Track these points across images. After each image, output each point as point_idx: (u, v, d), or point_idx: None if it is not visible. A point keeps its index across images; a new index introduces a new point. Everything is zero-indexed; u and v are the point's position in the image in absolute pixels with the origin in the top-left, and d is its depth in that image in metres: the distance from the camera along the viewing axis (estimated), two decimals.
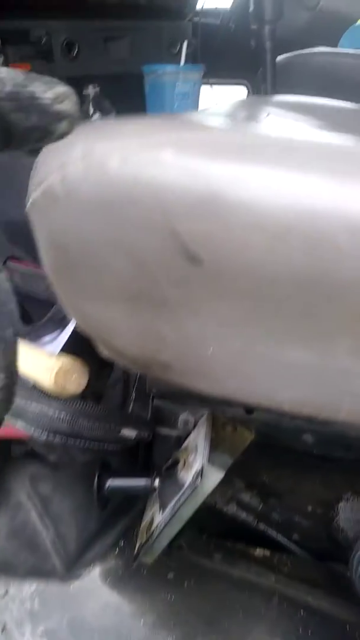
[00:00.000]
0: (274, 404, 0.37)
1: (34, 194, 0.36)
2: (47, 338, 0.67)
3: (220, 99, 1.48)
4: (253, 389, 0.37)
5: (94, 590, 0.57)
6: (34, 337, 0.67)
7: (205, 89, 1.30)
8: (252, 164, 0.28)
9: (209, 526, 0.59)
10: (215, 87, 1.47)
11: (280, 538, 0.53)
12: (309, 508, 0.61)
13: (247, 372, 0.36)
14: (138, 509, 0.61)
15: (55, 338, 0.68)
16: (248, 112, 0.65)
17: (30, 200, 0.36)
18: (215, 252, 0.30)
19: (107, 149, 0.32)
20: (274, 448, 0.54)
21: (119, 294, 0.36)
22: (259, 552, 0.60)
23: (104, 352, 0.43)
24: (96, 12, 1.08)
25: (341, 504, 0.58)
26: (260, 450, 0.54)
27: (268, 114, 0.66)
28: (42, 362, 0.50)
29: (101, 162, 0.31)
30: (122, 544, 0.61)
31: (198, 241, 0.30)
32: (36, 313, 0.77)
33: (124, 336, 0.39)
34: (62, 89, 0.16)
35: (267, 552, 0.60)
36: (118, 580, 0.58)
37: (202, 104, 1.32)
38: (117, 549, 0.60)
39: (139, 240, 0.32)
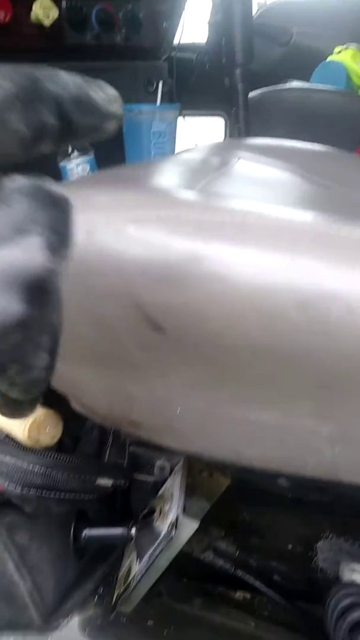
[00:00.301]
0: (242, 460, 0.38)
1: None
2: None
3: (197, 131, 1.52)
4: (220, 446, 0.37)
5: None
6: None
7: (182, 121, 1.34)
8: (209, 241, 0.29)
9: (188, 571, 0.59)
10: (194, 118, 1.50)
11: (257, 584, 0.53)
12: (289, 547, 0.61)
13: (214, 431, 0.37)
14: (116, 555, 0.61)
15: None
16: (220, 159, 0.67)
17: None
18: (176, 323, 0.31)
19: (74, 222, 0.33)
20: (251, 490, 0.55)
21: (88, 356, 0.37)
22: (239, 594, 0.60)
23: (76, 407, 0.44)
24: (73, 54, 1.11)
25: (320, 544, 0.59)
26: (238, 492, 0.55)
27: (239, 159, 0.69)
28: None
29: None
30: (101, 591, 0.61)
31: (160, 313, 0.31)
32: None
33: (95, 395, 0.39)
34: (112, 92, 0.19)
35: (248, 595, 0.60)
36: (97, 629, 0.57)
37: (180, 137, 1.35)
38: (96, 596, 0.60)
39: (105, 310, 0.33)
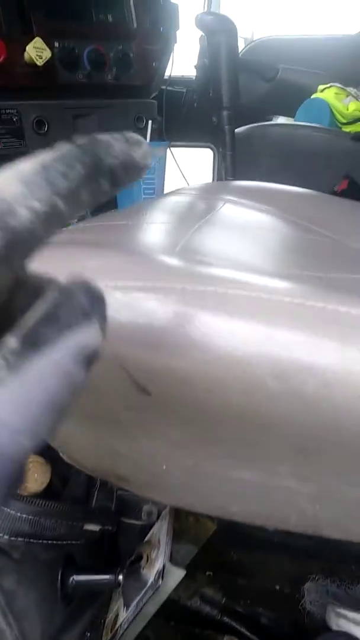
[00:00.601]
0: (226, 515, 0.38)
1: None
2: None
3: (186, 162, 1.55)
4: (205, 502, 0.38)
5: None
6: None
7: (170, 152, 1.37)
8: (193, 310, 0.31)
9: (175, 616, 0.59)
10: (181, 149, 1.54)
11: (244, 631, 0.53)
12: (276, 589, 0.61)
13: (199, 488, 0.38)
14: (104, 598, 0.61)
15: None
16: (206, 204, 0.69)
17: None
18: (161, 387, 0.32)
19: None
20: (238, 535, 0.56)
21: (76, 413, 0.38)
22: (226, 639, 0.60)
23: (65, 458, 0.45)
24: (65, 92, 1.13)
25: (307, 585, 0.59)
26: (224, 537, 0.56)
27: (224, 203, 0.71)
28: None
29: None
30: (88, 635, 0.60)
31: (146, 377, 0.32)
32: None
33: (83, 450, 0.40)
34: (146, 148, 0.23)
35: (235, 639, 0.60)
36: None
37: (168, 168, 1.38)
38: None
39: (95, 373, 0.34)
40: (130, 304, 0.32)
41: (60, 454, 0.44)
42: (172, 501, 0.40)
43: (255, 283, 0.33)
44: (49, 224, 0.19)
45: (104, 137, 0.21)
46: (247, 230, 0.61)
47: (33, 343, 0.18)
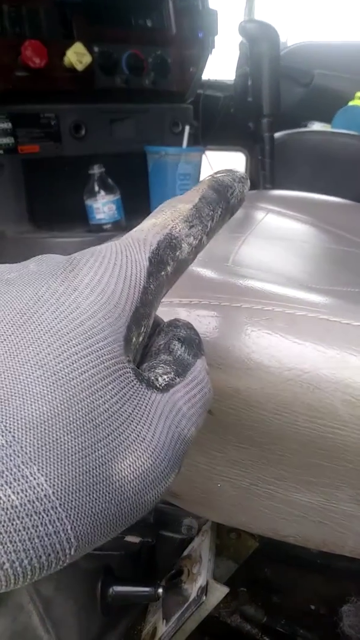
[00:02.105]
0: (280, 537, 0.38)
1: None
2: None
3: (218, 165, 1.54)
4: (259, 522, 0.38)
5: None
6: None
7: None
8: (260, 333, 0.30)
9: (210, 630, 0.58)
10: (215, 152, 1.53)
11: None
12: (314, 610, 0.60)
13: (254, 508, 0.37)
14: (139, 609, 0.60)
15: None
16: (248, 214, 0.68)
17: None
18: (225, 407, 0.32)
19: None
20: (279, 554, 0.55)
21: None
22: None
23: None
24: (102, 96, 1.14)
25: (345, 608, 0.58)
26: (265, 554, 0.55)
27: (267, 214, 0.70)
28: None
29: None
30: None
31: None
32: None
33: None
34: (248, 181, 0.27)
35: None
36: None
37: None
38: None
39: None
40: (195, 321, 0.31)
41: None
42: (223, 519, 0.39)
43: (320, 303, 0.33)
44: (195, 255, 0.24)
45: (227, 179, 0.26)
46: (291, 242, 0.60)
47: (184, 359, 0.22)
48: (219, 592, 0.47)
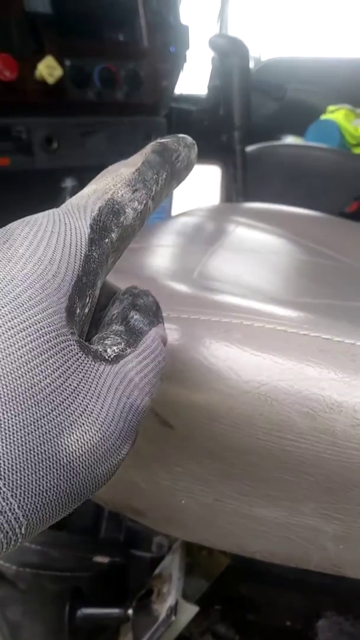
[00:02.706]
0: (246, 553, 0.37)
1: None
2: None
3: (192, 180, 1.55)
4: (224, 539, 0.37)
5: None
6: None
7: None
8: (218, 345, 0.30)
9: None
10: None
11: None
12: (288, 625, 0.59)
13: (218, 524, 0.36)
14: (111, 631, 0.59)
15: None
16: (217, 227, 0.68)
17: None
18: (184, 421, 0.31)
19: None
20: (251, 570, 0.54)
21: None
22: None
23: None
24: (74, 109, 1.14)
25: (320, 623, 0.57)
26: (237, 571, 0.54)
27: (236, 227, 0.70)
28: None
29: None
30: None
31: (169, 410, 0.31)
32: None
33: None
34: (196, 148, 0.27)
35: None
36: None
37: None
38: None
39: None
40: None
41: None
42: (189, 537, 0.38)
43: (280, 315, 0.32)
44: (142, 221, 0.23)
45: (173, 143, 0.25)
46: (260, 254, 0.60)
47: (138, 328, 0.22)
48: (189, 611, 0.46)
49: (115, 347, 0.20)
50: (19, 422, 0.16)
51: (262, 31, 2.20)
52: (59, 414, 0.17)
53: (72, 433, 0.17)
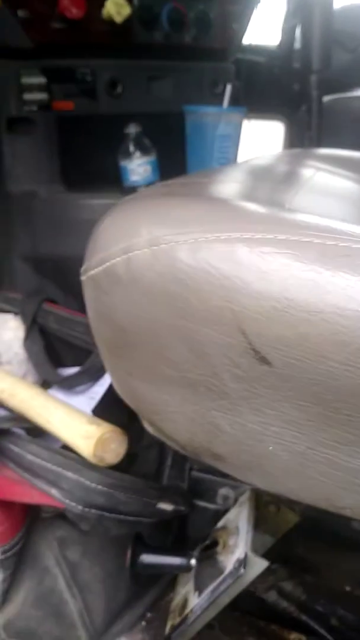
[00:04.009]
0: (335, 509, 0.34)
1: (93, 270, 0.34)
2: (80, 388, 0.66)
3: (255, 133, 1.47)
4: (312, 492, 0.34)
5: None
6: (67, 386, 0.65)
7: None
8: (335, 271, 0.26)
9: (242, 605, 0.56)
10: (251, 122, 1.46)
11: (321, 631, 0.49)
12: (354, 591, 0.57)
13: (308, 475, 0.33)
14: (168, 579, 0.58)
15: (88, 388, 0.66)
16: (296, 170, 0.63)
17: (88, 273, 0.35)
18: (287, 359, 0.28)
19: (175, 238, 0.30)
20: (320, 530, 0.51)
21: (175, 379, 0.34)
22: (294, 637, 0.56)
23: (150, 429, 0.41)
24: (141, 52, 1.08)
25: None
26: (305, 530, 0.51)
27: (317, 171, 0.65)
28: (80, 428, 0.48)
29: (170, 252, 0.30)
30: (149, 615, 0.58)
31: (269, 345, 0.28)
32: (69, 358, 0.75)
33: (176, 422, 0.36)
34: None
35: (302, 637, 0.56)
36: None
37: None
38: (144, 621, 0.57)
39: (204, 333, 0.30)
40: (258, 260, 0.27)
41: (145, 425, 0.41)
42: (272, 487, 0.36)
43: None
44: None
45: None
46: (349, 199, 0.55)
47: None
48: (258, 565, 0.44)
49: None
50: None
51: None
52: None
53: None
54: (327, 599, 0.52)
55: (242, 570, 0.43)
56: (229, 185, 0.48)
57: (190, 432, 0.36)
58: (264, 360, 0.29)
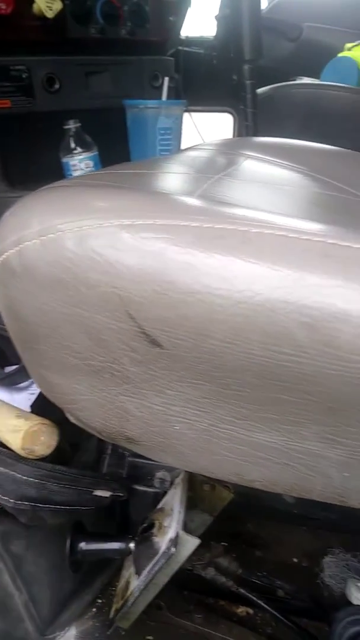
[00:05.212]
0: (245, 482, 0.36)
1: None
2: (23, 384, 0.66)
3: (205, 128, 1.48)
4: (221, 467, 0.35)
5: None
6: (8, 383, 0.65)
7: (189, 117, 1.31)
8: (209, 253, 0.27)
9: (189, 585, 0.57)
10: (202, 114, 1.47)
11: (260, 602, 0.51)
12: (294, 562, 0.59)
13: (215, 451, 0.35)
14: (116, 565, 0.59)
15: (31, 384, 0.67)
16: (226, 158, 0.65)
17: None
18: (174, 340, 0.29)
19: (64, 227, 0.31)
20: (255, 505, 0.53)
21: (81, 368, 0.35)
22: (241, 610, 0.58)
23: (72, 419, 0.42)
24: (76, 47, 1.08)
25: (327, 559, 0.57)
26: (241, 506, 0.53)
27: (246, 159, 0.66)
28: (8, 423, 0.48)
29: (57, 241, 0.30)
30: (99, 602, 0.59)
31: (156, 328, 0.29)
32: (14, 354, 0.75)
33: (89, 409, 0.37)
34: None
35: (251, 611, 0.58)
36: None
37: (187, 134, 1.32)
38: (95, 608, 0.58)
39: (98, 320, 0.31)
40: (139, 244, 0.28)
41: (67, 414, 0.42)
42: (185, 465, 0.37)
43: (281, 222, 0.30)
44: None
45: None
46: (270, 185, 0.57)
47: None
48: (190, 543, 0.45)
49: None
50: None
51: None
52: None
53: None
54: (263, 572, 0.54)
55: (173, 549, 0.44)
56: (142, 175, 0.48)
57: (102, 418, 0.37)
58: (155, 343, 0.30)
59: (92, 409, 0.37)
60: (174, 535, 0.45)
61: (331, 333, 0.25)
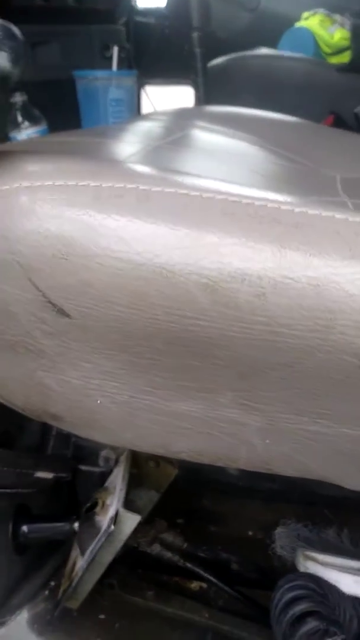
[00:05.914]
0: (172, 454, 0.35)
1: None
2: None
3: (168, 101, 1.45)
4: (147, 439, 0.34)
5: (21, 638, 0.54)
6: None
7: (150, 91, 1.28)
8: (107, 213, 0.26)
9: (141, 563, 0.57)
10: (163, 88, 1.44)
11: (206, 575, 0.51)
12: (246, 535, 0.59)
13: (139, 423, 0.33)
14: (67, 547, 0.58)
15: None
16: (171, 127, 0.63)
17: None
18: (80, 309, 0.28)
19: None
20: (201, 479, 0.53)
21: None
22: (194, 585, 0.58)
23: None
24: (22, 16, 1.03)
25: (278, 530, 0.57)
26: (187, 481, 0.52)
27: (192, 128, 0.64)
28: None
29: None
30: (52, 584, 0.58)
31: (60, 296, 0.28)
32: None
33: (10, 386, 0.36)
34: None
35: (204, 585, 0.58)
36: (46, 624, 0.55)
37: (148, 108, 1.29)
38: (47, 590, 0.58)
39: (3, 291, 0.29)
40: (36, 208, 0.27)
41: None
42: (113, 440, 0.36)
43: (188, 182, 0.28)
44: None
45: None
46: (211, 153, 0.55)
47: None
48: (131, 520, 0.45)
49: None
50: None
51: None
52: None
53: None
54: (210, 546, 0.54)
55: (112, 527, 0.43)
56: (75, 142, 0.46)
57: (24, 395, 0.36)
58: (62, 313, 0.29)
59: (13, 386, 0.35)
60: (114, 513, 0.45)
61: (229, 294, 0.24)
